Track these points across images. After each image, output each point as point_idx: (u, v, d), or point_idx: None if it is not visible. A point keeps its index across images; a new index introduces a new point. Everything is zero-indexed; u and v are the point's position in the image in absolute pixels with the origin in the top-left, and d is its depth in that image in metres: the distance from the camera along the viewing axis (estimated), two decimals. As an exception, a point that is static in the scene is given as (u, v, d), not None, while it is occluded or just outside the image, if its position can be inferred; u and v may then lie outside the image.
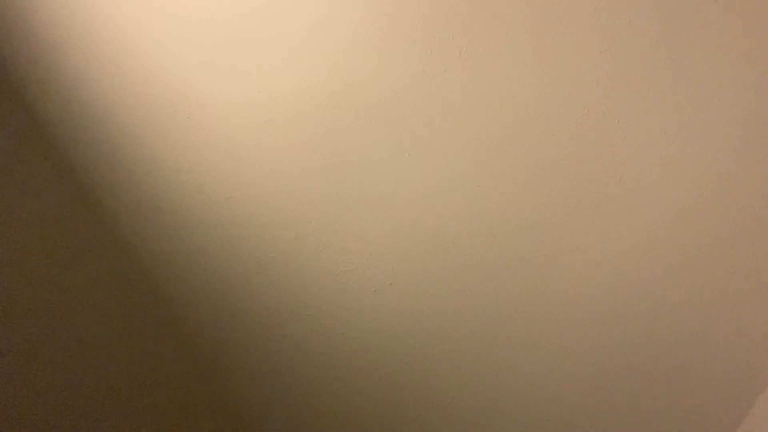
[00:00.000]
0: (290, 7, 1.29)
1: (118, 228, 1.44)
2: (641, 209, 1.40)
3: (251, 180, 1.41)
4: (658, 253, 1.43)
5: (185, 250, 1.46)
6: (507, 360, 1.56)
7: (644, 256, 1.44)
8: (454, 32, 1.28)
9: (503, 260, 1.46)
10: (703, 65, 1.28)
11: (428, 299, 1.50)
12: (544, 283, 1.48)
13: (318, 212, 1.43)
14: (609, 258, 1.45)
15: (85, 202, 1.42)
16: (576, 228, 1.43)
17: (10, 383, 1.49)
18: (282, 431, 1.67)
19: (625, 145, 1.35)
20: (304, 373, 1.59)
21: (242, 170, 1.40)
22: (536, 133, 1.35)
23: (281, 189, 1.41)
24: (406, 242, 1.46)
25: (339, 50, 1.31)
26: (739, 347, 1.50)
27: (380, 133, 1.37)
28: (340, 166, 1.40)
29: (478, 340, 1.54)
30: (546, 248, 1.45)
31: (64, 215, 1.42)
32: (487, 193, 1.41)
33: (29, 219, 1.41)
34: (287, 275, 1.48)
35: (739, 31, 1.24)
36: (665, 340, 1.51)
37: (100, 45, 1.31)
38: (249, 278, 1.49)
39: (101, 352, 1.52)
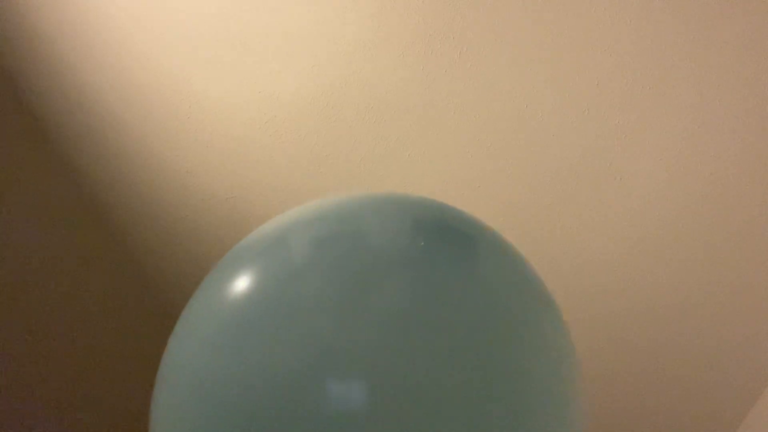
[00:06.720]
0: (290, 7, 1.29)
1: (119, 228, 1.44)
2: (641, 209, 1.40)
3: (252, 180, 1.41)
4: (657, 252, 1.43)
5: (186, 250, 1.46)
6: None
7: (644, 256, 1.44)
8: (455, 33, 1.28)
9: (503, 260, 1.46)
10: (703, 65, 1.28)
11: (428, 299, 1.50)
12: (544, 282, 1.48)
13: (318, 212, 1.43)
14: (608, 257, 1.45)
15: (85, 203, 1.42)
16: (576, 228, 1.43)
17: (13, 382, 1.49)
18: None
19: (625, 145, 1.35)
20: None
21: (243, 170, 1.40)
22: (536, 133, 1.35)
23: (282, 189, 1.41)
24: (407, 242, 1.45)
25: (339, 50, 1.31)
26: (739, 347, 1.50)
27: (380, 133, 1.37)
28: (341, 166, 1.40)
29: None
30: (546, 248, 1.45)
31: (65, 216, 1.42)
32: (486, 193, 1.41)
33: (29, 220, 1.41)
34: (287, 275, 1.48)
35: (739, 30, 1.24)
36: (665, 340, 1.51)
37: (101, 45, 1.31)
38: (249, 278, 1.48)
39: (101, 352, 1.52)
